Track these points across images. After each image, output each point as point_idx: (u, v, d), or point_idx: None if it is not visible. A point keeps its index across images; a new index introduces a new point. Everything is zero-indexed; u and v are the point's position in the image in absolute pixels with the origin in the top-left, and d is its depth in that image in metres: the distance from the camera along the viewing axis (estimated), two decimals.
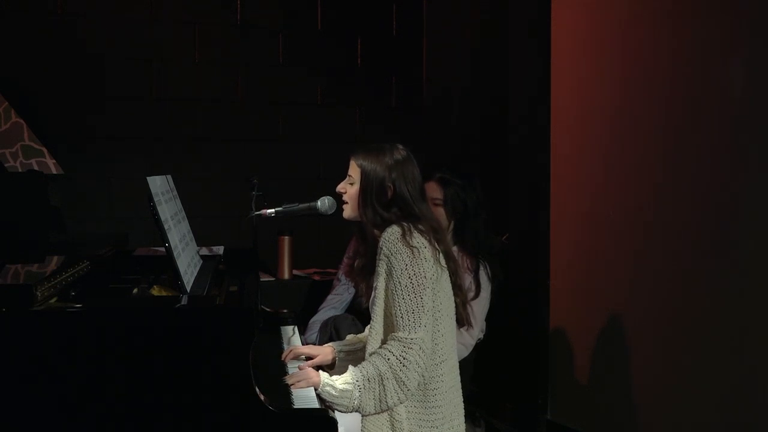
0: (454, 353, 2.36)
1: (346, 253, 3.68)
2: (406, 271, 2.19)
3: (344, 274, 3.64)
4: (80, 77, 4.27)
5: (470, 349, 3.15)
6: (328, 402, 2.19)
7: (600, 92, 3.46)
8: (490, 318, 3.24)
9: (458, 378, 2.37)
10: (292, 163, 4.66)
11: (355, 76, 4.78)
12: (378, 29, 4.82)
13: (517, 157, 3.98)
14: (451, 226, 3.17)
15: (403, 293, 2.19)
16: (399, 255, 2.20)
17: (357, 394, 2.16)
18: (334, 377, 2.22)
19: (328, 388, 2.18)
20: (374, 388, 2.16)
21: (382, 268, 2.24)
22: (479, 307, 3.13)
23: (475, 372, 3.25)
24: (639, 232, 3.25)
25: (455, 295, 2.36)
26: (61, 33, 4.22)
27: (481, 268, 3.18)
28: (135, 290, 2.43)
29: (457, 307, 2.37)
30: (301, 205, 2.83)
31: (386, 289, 2.24)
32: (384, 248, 2.24)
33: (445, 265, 2.30)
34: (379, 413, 2.22)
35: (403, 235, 2.23)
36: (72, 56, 4.25)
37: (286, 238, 4.17)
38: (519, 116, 3.96)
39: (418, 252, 2.22)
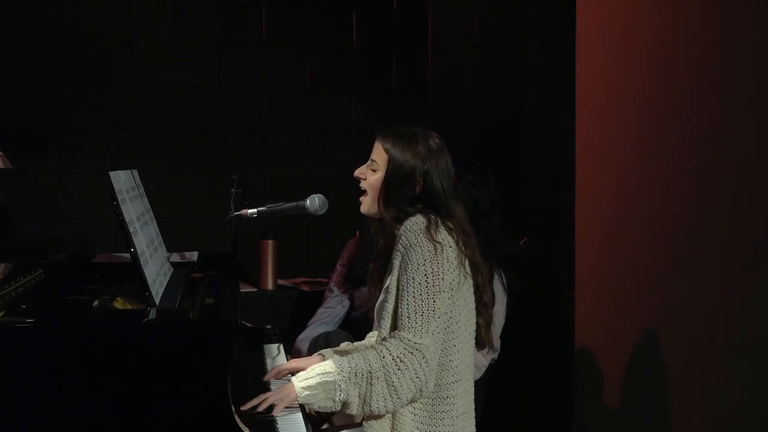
0: (470, 375, 2.35)
1: (339, 260, 3.67)
2: (423, 268, 2.18)
3: (336, 284, 3.63)
4: (33, 58, 4.26)
5: (483, 370, 3.14)
6: (309, 405, 2.17)
7: (628, 77, 3.45)
8: (505, 334, 3.23)
9: (473, 404, 2.36)
10: (277, 156, 4.65)
11: (350, 56, 4.77)
12: (376, 2, 4.81)
13: (536, 149, 3.97)
14: None
15: (415, 292, 2.17)
16: (418, 248, 2.19)
17: (343, 386, 2.13)
18: (308, 371, 2.19)
19: (306, 392, 2.16)
20: (360, 384, 2.14)
21: (397, 261, 2.23)
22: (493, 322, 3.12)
23: (489, 396, 3.24)
24: (675, 235, 3.24)
25: (479, 313, 2.35)
26: (13, 9, 4.21)
27: (496, 276, 3.17)
28: (95, 303, 2.42)
29: (479, 327, 2.35)
30: (288, 205, 2.82)
31: (398, 286, 2.22)
32: (402, 238, 2.22)
33: (470, 274, 2.29)
34: (359, 414, 2.18)
35: (428, 227, 2.21)
36: (24, 34, 4.24)
37: (270, 242, 4.16)
38: (538, 103, 3.96)
39: (441, 249, 2.20)
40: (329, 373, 2.16)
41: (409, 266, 2.19)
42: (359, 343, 2.59)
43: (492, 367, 3.22)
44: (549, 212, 3.86)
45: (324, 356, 2.46)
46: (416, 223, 2.23)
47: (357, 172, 2.39)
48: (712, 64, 3.10)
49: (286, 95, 4.68)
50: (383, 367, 2.14)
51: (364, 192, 2.38)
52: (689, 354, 3.20)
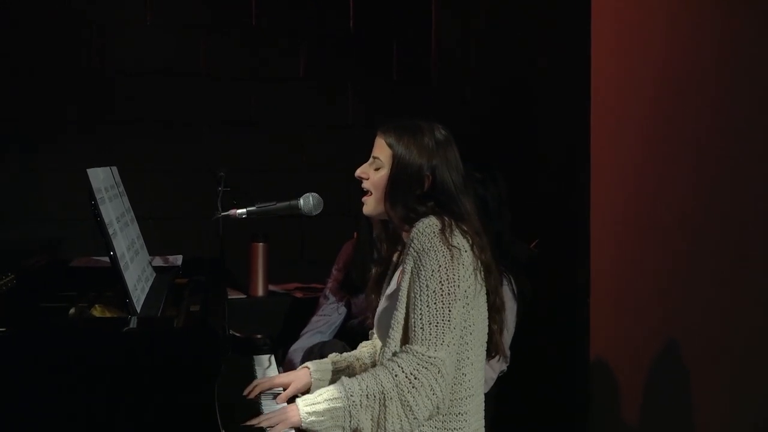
0: (482, 389, 2.37)
1: (335, 264, 3.68)
2: (438, 274, 2.19)
3: (332, 290, 3.63)
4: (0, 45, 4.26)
5: (492, 383, 3.15)
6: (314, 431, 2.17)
7: (646, 64, 3.46)
8: (515, 344, 3.24)
9: (483, 421, 2.38)
10: (268, 152, 4.66)
11: (347, 43, 4.78)
12: None
13: (548, 143, 3.97)
14: None
15: (429, 300, 2.18)
16: (432, 252, 2.19)
17: (354, 413, 2.13)
18: (315, 394, 2.20)
19: (311, 418, 2.15)
20: (373, 407, 2.15)
21: (408, 266, 2.24)
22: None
23: (497, 412, 3.25)
24: (698, 237, 3.25)
25: (491, 319, 2.36)
26: None
27: (505, 282, 3.18)
28: (72, 310, 2.42)
29: (492, 334, 2.36)
30: (280, 204, 2.82)
31: (409, 289, 2.23)
32: (415, 242, 2.23)
33: (484, 282, 2.30)
34: None
35: (442, 230, 2.22)
36: None
37: (261, 245, 4.16)
38: (551, 94, 3.96)
39: (459, 254, 2.21)
40: (337, 398, 2.15)
41: (422, 272, 2.19)
42: (348, 354, 2.61)
43: (501, 380, 3.23)
44: (562, 212, 3.86)
45: (309, 368, 2.49)
46: (429, 225, 2.23)
47: (359, 172, 2.39)
48: (731, 61, 3.11)
49: (278, 86, 4.69)
50: (396, 386, 2.15)
51: (367, 192, 2.38)
52: (713, 365, 3.20)
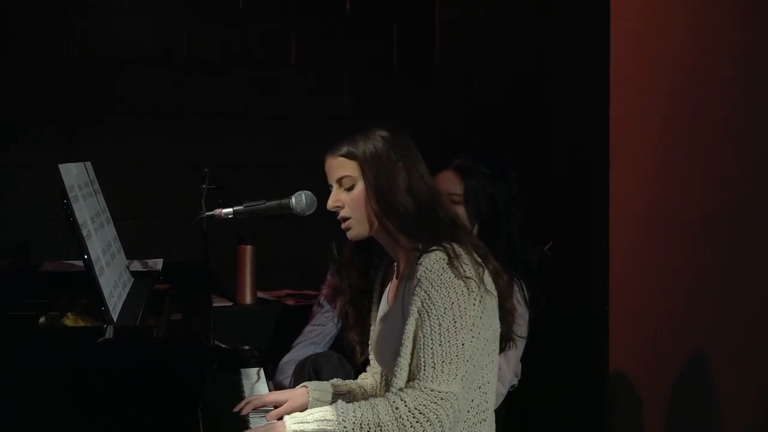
0: (492, 410, 2.39)
1: (330, 268, 3.68)
2: (451, 311, 2.21)
3: (327, 297, 3.63)
4: None
5: (501, 398, 3.15)
6: None
7: (667, 57, 3.46)
8: (527, 356, 3.24)
9: None
10: (257, 146, 4.66)
11: (343, 26, 4.77)
12: None
13: (563, 138, 3.97)
14: (475, 231, 3.17)
15: (442, 338, 2.20)
16: (443, 288, 2.22)
17: None
18: (305, 413, 2.23)
19: None
20: None
21: (414, 306, 2.25)
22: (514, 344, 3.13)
23: (508, 427, 3.25)
24: (729, 240, 3.25)
25: (502, 321, 2.38)
26: None
27: (515, 288, 3.18)
28: (42, 319, 2.42)
29: (502, 334, 2.39)
30: (269, 203, 2.83)
31: (416, 331, 2.25)
32: (423, 280, 2.24)
33: (494, 293, 2.32)
34: None
35: (451, 262, 2.23)
36: None
37: (249, 248, 4.16)
38: (566, 81, 3.96)
39: (474, 285, 2.24)
40: (329, 421, 2.18)
41: (434, 309, 2.22)
42: (350, 381, 2.64)
43: (511, 395, 3.23)
44: (578, 212, 3.86)
45: (307, 387, 2.52)
46: (438, 260, 2.24)
47: (331, 203, 2.39)
48: (753, 55, 3.12)
49: (268, 73, 4.68)
50: (396, 419, 2.17)
51: (347, 220, 2.38)
52: (742, 376, 3.21)
